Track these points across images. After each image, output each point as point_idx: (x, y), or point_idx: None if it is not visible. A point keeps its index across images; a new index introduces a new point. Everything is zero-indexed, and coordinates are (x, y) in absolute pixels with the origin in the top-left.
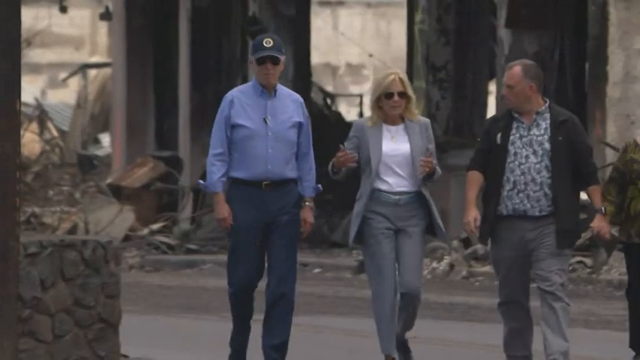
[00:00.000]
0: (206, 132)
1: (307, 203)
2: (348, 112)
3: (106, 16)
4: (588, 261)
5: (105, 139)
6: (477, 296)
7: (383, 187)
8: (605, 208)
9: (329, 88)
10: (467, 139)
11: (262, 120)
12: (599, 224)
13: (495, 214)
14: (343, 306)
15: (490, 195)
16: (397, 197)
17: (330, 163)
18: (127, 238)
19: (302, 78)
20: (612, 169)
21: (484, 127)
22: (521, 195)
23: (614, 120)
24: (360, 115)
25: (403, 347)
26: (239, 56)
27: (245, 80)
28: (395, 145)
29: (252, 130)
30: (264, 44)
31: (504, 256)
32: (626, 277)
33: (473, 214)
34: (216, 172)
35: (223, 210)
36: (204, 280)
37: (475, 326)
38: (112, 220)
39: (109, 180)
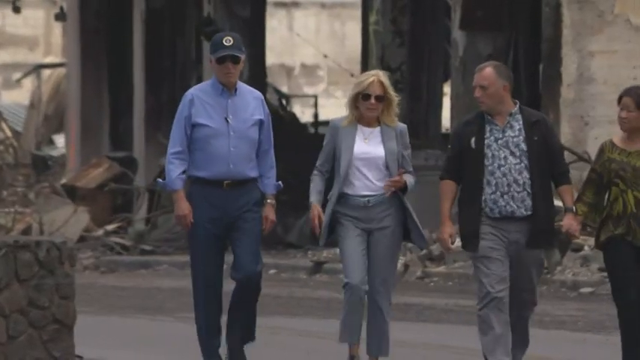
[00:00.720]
0: (161, 132)
1: (269, 201)
2: (302, 112)
3: (60, 16)
4: None
5: (59, 139)
6: (431, 297)
7: (351, 190)
8: (576, 208)
9: (284, 89)
10: (422, 140)
11: (224, 119)
12: (569, 222)
13: (479, 217)
14: (299, 307)
15: (470, 200)
16: (366, 199)
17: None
18: (81, 239)
19: (257, 79)
20: (590, 171)
21: (454, 133)
22: (506, 197)
23: (568, 121)
24: (315, 116)
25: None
26: (194, 57)
27: (200, 81)
28: (367, 147)
29: (214, 129)
30: (224, 43)
31: (492, 256)
32: (580, 279)
33: (448, 231)
34: (174, 169)
35: (183, 207)
36: (159, 280)
37: (429, 327)
38: (67, 221)
39: (63, 181)
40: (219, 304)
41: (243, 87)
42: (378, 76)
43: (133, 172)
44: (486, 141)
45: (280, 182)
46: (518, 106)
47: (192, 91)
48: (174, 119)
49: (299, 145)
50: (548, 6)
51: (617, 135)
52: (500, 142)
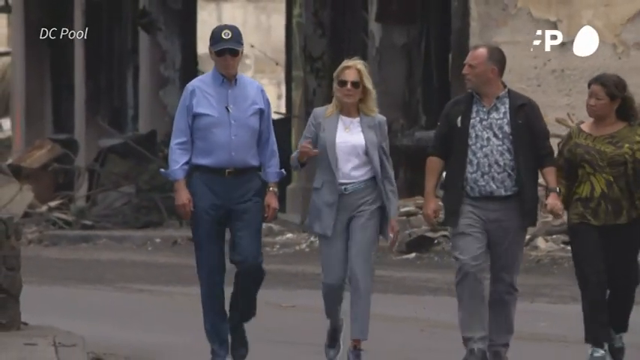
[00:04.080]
0: (100, 116)
1: (271, 188)
2: None
3: (5, 8)
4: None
5: (5, 123)
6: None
7: (334, 177)
8: (559, 189)
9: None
10: None
11: (225, 108)
12: (553, 202)
13: (461, 195)
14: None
15: (454, 177)
16: (343, 187)
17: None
18: (26, 215)
19: (189, 66)
20: (558, 155)
21: (444, 111)
22: (486, 177)
23: None
24: None
25: (357, 353)
26: (130, 46)
27: (136, 69)
28: (348, 136)
29: (216, 118)
30: (223, 36)
31: (469, 231)
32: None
33: (432, 207)
34: (177, 160)
35: (183, 197)
36: (99, 253)
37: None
38: (13, 198)
39: (9, 161)
40: (222, 289)
41: (244, 78)
42: (355, 64)
43: (73, 153)
44: (472, 121)
45: (283, 170)
46: (506, 90)
47: (194, 82)
48: (175, 111)
49: None
50: (457, 0)
51: (585, 121)
52: (484, 123)
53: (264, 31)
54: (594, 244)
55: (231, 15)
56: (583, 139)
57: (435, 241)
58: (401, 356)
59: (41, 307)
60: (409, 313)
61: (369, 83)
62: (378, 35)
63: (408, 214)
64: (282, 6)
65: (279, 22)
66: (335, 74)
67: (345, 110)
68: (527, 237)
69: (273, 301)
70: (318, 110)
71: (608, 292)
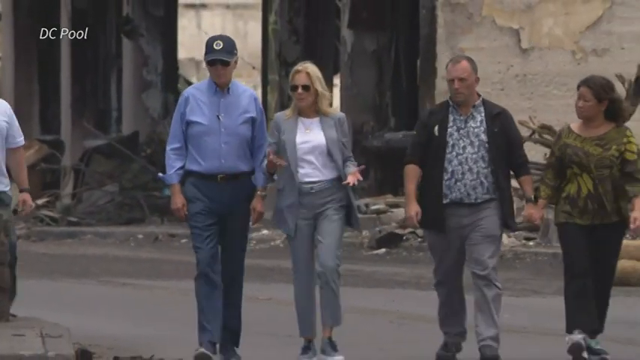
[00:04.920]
0: (85, 118)
1: (259, 193)
2: None
3: None
4: (419, 232)
5: None
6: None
7: (297, 176)
8: (540, 190)
9: (193, 80)
10: None
11: (216, 117)
12: (530, 211)
13: (438, 202)
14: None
15: (430, 185)
16: (309, 186)
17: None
18: (14, 212)
19: (170, 71)
20: (550, 154)
21: (421, 120)
22: (459, 184)
23: None
24: None
25: (331, 342)
26: (114, 52)
27: (120, 73)
28: (308, 136)
29: (206, 126)
30: (215, 47)
31: (444, 242)
32: None
33: (414, 209)
34: (172, 165)
35: (177, 201)
36: (84, 248)
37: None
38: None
39: None
40: (219, 290)
41: (238, 86)
42: (305, 68)
43: (60, 153)
44: (449, 130)
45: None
46: (481, 99)
47: (189, 89)
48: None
49: None
50: (425, 8)
51: (575, 122)
52: (461, 131)
53: (242, 37)
54: (580, 241)
55: (210, 22)
56: (572, 139)
57: (404, 238)
58: (372, 347)
59: (29, 299)
60: (379, 305)
61: (320, 86)
62: (349, 41)
63: (378, 212)
64: (259, 13)
65: (255, 28)
66: (289, 79)
67: (303, 112)
68: None
69: (250, 294)
70: (278, 115)
71: None
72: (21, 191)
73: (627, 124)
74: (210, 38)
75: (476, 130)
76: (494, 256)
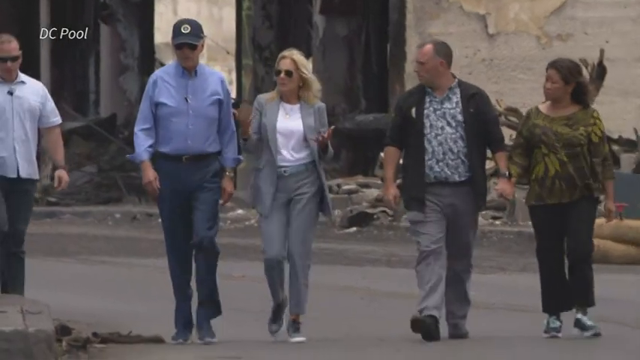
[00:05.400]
0: (65, 101)
1: (227, 173)
2: None
3: None
4: (390, 211)
5: None
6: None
7: (274, 159)
8: (510, 169)
9: (169, 63)
10: None
11: (184, 99)
12: (503, 186)
13: (421, 181)
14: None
15: (412, 165)
16: (283, 169)
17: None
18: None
19: (147, 55)
20: (517, 134)
21: (397, 103)
22: (440, 164)
23: None
24: None
25: (295, 323)
26: (91, 36)
27: (97, 58)
28: (288, 121)
29: (174, 108)
30: (182, 30)
31: (428, 216)
32: None
33: (393, 192)
34: (141, 143)
35: (149, 174)
36: (63, 228)
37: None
38: None
39: None
40: (188, 270)
41: (205, 69)
42: (291, 54)
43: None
44: (425, 111)
45: (240, 157)
46: (457, 80)
47: (157, 72)
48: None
49: None
50: None
51: (543, 103)
52: (438, 112)
53: (216, 23)
54: (550, 222)
55: (186, 7)
56: (541, 120)
57: (375, 216)
58: (343, 323)
59: None
60: (350, 282)
61: (306, 72)
62: (321, 27)
63: (350, 192)
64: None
65: (230, 14)
66: (275, 64)
67: (285, 97)
68: None
69: (225, 272)
70: (260, 97)
71: (567, 269)
72: (57, 169)
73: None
74: (177, 22)
75: (452, 111)
76: (472, 237)
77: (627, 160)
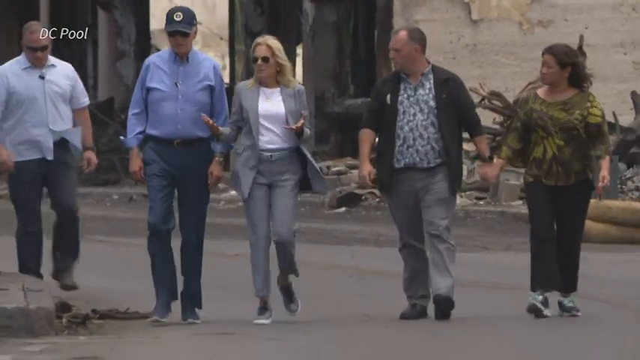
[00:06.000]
0: None
1: (217, 158)
2: None
3: None
4: (377, 192)
5: None
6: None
7: (257, 143)
8: (502, 151)
9: (165, 49)
10: None
11: (174, 84)
12: (485, 169)
13: (390, 167)
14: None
15: (384, 151)
16: (269, 154)
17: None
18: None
19: (143, 41)
20: (515, 119)
21: (374, 89)
22: (410, 150)
23: None
24: None
25: (286, 291)
26: (90, 23)
27: (95, 44)
28: (269, 105)
29: (165, 92)
30: (175, 18)
31: (400, 205)
32: None
33: (367, 169)
34: (132, 129)
35: (134, 164)
36: None
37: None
38: None
39: None
40: (169, 245)
41: (198, 55)
42: (265, 40)
43: None
44: (400, 98)
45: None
46: (430, 66)
47: (151, 57)
48: (130, 81)
49: None
50: None
51: (542, 87)
52: (411, 99)
53: (210, 10)
54: (545, 201)
55: None
56: (538, 104)
57: (363, 197)
58: (331, 300)
59: (12, 257)
60: (339, 261)
61: (281, 58)
62: (311, 13)
63: (339, 173)
64: None
65: (223, 1)
66: (251, 51)
67: (264, 83)
68: None
69: (220, 251)
70: (240, 84)
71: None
72: (86, 149)
73: None
74: (170, 10)
75: (425, 97)
76: (448, 217)
77: None
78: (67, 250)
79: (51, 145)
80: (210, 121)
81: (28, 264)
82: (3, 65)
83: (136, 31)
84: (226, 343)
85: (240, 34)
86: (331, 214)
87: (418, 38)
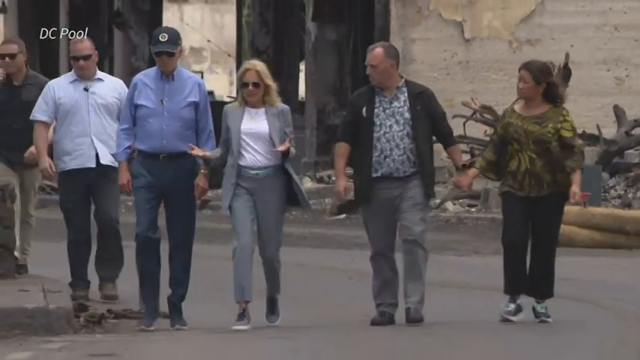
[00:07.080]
0: None
1: (202, 171)
2: None
3: (3, 9)
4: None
5: None
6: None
7: (243, 162)
8: (478, 162)
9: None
10: None
11: (160, 101)
12: (458, 179)
13: (368, 177)
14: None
15: (361, 162)
16: (255, 172)
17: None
18: None
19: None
20: (493, 132)
21: (350, 102)
22: (387, 160)
23: None
24: None
25: (272, 305)
26: (106, 41)
27: (111, 61)
28: (252, 124)
29: (151, 109)
30: (160, 39)
31: (375, 213)
32: None
33: (343, 184)
34: (121, 144)
35: (123, 177)
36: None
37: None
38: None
39: None
40: (157, 255)
41: (184, 73)
42: (254, 66)
43: None
44: (376, 110)
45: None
46: (404, 80)
47: (139, 75)
48: None
49: None
50: (379, 3)
51: (518, 102)
52: (387, 111)
53: (219, 29)
54: (519, 211)
55: (191, 15)
56: (514, 118)
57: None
58: (330, 301)
59: (34, 260)
60: (339, 265)
61: (269, 80)
62: (313, 32)
63: None
64: (234, 7)
65: (231, 21)
66: (238, 75)
67: (250, 103)
68: (438, 201)
69: (226, 255)
70: (227, 107)
71: (529, 259)
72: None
73: None
74: (156, 31)
75: (400, 109)
76: (422, 222)
77: (590, 153)
78: (109, 261)
79: (94, 154)
80: (200, 153)
81: (76, 270)
82: (53, 79)
83: (149, 50)
84: (237, 342)
85: (247, 51)
86: (332, 220)
87: (393, 54)
